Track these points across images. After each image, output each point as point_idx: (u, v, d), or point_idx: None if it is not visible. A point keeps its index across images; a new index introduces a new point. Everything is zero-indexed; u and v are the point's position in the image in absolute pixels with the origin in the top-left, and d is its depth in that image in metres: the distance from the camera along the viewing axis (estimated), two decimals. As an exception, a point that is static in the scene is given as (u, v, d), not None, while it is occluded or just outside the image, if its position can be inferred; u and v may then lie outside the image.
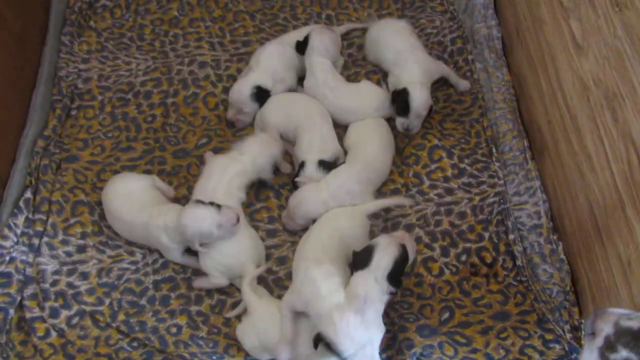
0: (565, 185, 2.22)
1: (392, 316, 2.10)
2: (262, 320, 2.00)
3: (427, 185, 2.41)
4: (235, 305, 2.17)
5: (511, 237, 2.27)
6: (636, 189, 1.77)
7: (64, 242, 2.28)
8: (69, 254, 2.26)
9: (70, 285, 2.19)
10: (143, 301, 2.19)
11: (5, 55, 2.48)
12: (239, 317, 2.13)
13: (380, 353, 1.95)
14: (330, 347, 1.82)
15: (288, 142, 2.50)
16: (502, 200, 2.35)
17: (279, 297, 2.10)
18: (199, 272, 2.23)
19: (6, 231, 2.24)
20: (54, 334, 2.11)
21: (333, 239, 2.10)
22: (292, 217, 2.29)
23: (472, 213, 2.35)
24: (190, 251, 2.22)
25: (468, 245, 2.28)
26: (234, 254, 2.16)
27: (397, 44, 2.61)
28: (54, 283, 2.19)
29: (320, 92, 2.55)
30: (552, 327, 2.06)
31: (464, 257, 2.26)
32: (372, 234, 2.29)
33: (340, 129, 2.53)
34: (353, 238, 2.14)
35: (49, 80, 2.69)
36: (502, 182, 2.40)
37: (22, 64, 2.60)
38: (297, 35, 2.70)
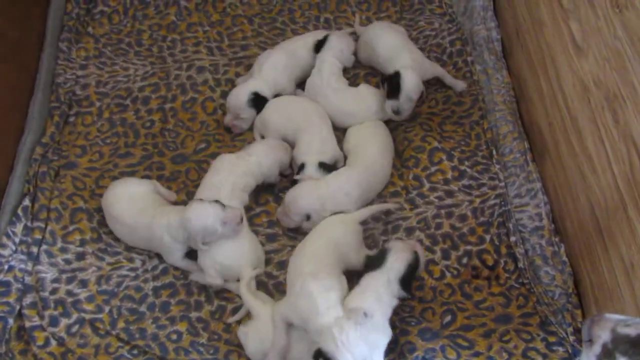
0: (566, 187, 2.21)
1: (394, 320, 2.08)
2: (267, 326, 1.99)
3: (427, 188, 2.40)
4: (235, 311, 2.16)
5: (512, 239, 2.26)
6: (638, 189, 1.76)
7: (63, 250, 2.26)
8: (68, 261, 2.25)
9: (69, 293, 2.18)
10: (143, 308, 2.18)
11: (3, 62, 2.47)
12: (239, 322, 2.12)
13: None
14: None
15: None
16: (503, 203, 2.34)
17: (280, 301, 2.09)
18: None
19: (4, 239, 2.22)
20: (53, 342, 2.09)
21: (328, 249, 2.09)
22: (286, 213, 2.28)
23: (472, 215, 2.33)
24: (190, 255, 2.21)
25: (469, 247, 2.27)
26: (234, 255, 2.15)
27: (391, 40, 2.62)
28: (53, 291, 2.18)
29: (322, 91, 2.55)
30: (555, 329, 2.05)
31: (465, 260, 2.25)
32: (373, 238, 2.29)
33: (339, 132, 2.53)
34: (347, 246, 2.13)
35: (46, 87, 2.68)
36: (502, 184, 2.38)
37: (19, 71, 2.59)
38: (302, 42, 2.71)
